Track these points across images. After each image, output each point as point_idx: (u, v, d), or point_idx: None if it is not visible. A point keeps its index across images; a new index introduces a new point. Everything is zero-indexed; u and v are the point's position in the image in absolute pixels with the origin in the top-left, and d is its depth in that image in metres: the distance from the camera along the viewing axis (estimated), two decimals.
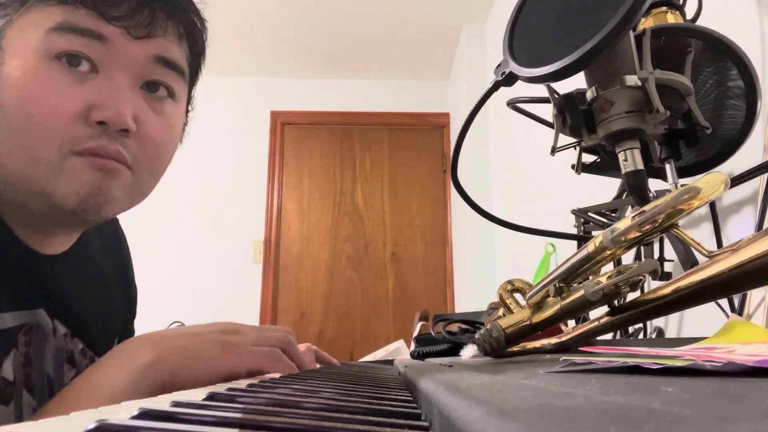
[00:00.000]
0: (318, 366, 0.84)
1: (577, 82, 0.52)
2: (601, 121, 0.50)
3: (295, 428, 0.19)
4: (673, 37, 0.58)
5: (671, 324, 0.88)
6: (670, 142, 0.59)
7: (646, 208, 0.35)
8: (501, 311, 0.49)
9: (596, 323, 0.40)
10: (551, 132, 0.56)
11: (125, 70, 0.48)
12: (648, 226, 0.34)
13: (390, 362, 1.02)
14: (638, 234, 0.35)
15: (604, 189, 0.92)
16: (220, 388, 0.29)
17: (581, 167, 0.60)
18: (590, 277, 0.38)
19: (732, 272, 0.29)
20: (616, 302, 0.38)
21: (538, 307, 0.43)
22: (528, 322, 0.42)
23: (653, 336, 0.86)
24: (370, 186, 2.98)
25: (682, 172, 0.63)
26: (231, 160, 2.95)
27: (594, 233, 0.78)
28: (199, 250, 2.81)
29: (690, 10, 0.69)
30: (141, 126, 0.50)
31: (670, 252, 0.73)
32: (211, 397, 0.26)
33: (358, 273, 2.86)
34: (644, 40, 0.51)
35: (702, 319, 0.79)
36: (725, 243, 0.70)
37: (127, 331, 0.71)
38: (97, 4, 0.46)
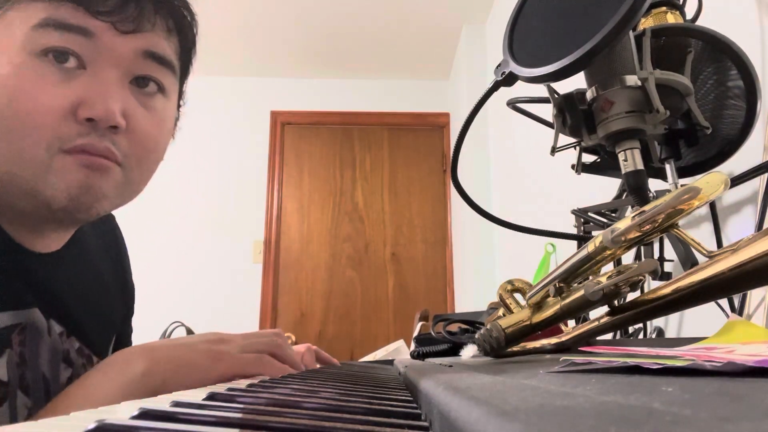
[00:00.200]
0: (318, 366, 0.84)
1: (577, 82, 0.52)
2: (601, 121, 0.50)
3: (295, 428, 0.19)
4: (673, 37, 0.58)
5: (671, 324, 0.88)
6: (670, 142, 0.59)
7: (646, 208, 0.35)
8: (501, 311, 0.49)
9: (596, 323, 0.40)
10: (551, 132, 0.56)
11: (113, 65, 0.48)
12: (648, 226, 0.34)
13: (390, 362, 1.02)
14: (638, 234, 0.35)
15: (604, 189, 0.92)
16: (220, 388, 0.29)
17: (581, 167, 0.60)
18: (590, 277, 0.38)
19: (732, 272, 0.29)
20: (616, 302, 0.38)
21: (538, 307, 0.43)
22: (528, 322, 0.42)
23: (653, 336, 0.86)
24: (370, 186, 2.98)
25: (682, 172, 0.63)
26: (231, 160, 2.95)
27: (594, 233, 0.78)
28: (199, 250, 2.81)
29: (690, 10, 0.69)
30: (131, 122, 0.49)
31: (670, 252, 0.73)
32: (211, 397, 0.26)
33: (358, 273, 2.86)
34: (644, 40, 0.51)
35: (702, 319, 0.79)
36: (725, 243, 0.70)
37: (126, 330, 0.71)
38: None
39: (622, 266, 0.36)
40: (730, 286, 0.30)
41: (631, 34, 0.51)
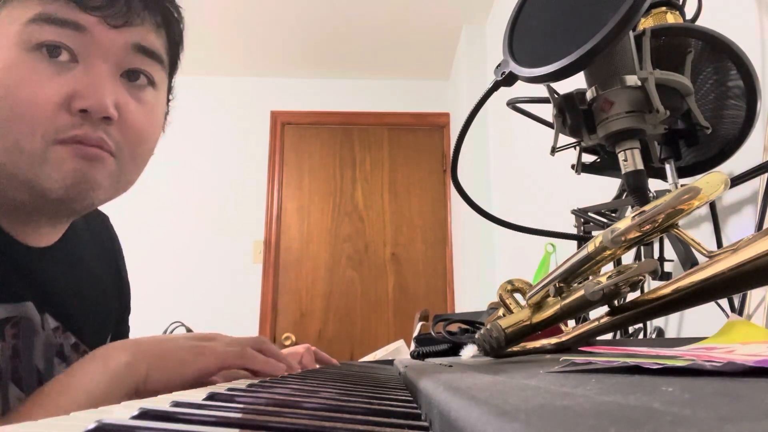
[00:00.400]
0: (317, 366, 0.84)
1: (577, 82, 0.52)
2: (601, 121, 0.50)
3: (295, 428, 0.19)
4: (672, 37, 0.58)
5: (671, 324, 0.88)
6: (670, 142, 0.59)
7: (646, 208, 0.35)
8: (501, 311, 0.49)
9: (596, 323, 0.40)
10: (551, 132, 0.56)
11: (104, 58, 0.49)
12: (648, 226, 0.34)
13: (390, 362, 1.02)
14: (638, 234, 0.35)
15: (604, 189, 0.92)
16: (220, 388, 0.29)
17: (581, 167, 0.60)
18: (590, 277, 0.38)
19: (732, 272, 0.29)
20: (616, 302, 0.38)
21: (538, 307, 0.43)
22: (528, 322, 0.42)
23: (653, 336, 0.86)
24: (370, 186, 2.98)
25: (682, 172, 0.63)
26: (231, 160, 2.95)
27: (594, 233, 0.78)
28: (199, 250, 2.81)
29: (690, 10, 0.69)
30: (122, 113, 0.50)
31: (670, 252, 0.73)
32: (211, 397, 0.26)
33: (358, 273, 2.86)
34: (644, 40, 0.51)
35: (702, 319, 0.79)
36: (725, 243, 0.70)
37: (121, 328, 0.72)
38: None
39: (622, 266, 0.36)
40: (730, 286, 0.30)
41: (631, 34, 0.51)
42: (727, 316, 0.64)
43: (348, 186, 2.97)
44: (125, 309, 0.72)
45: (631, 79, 0.49)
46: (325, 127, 3.05)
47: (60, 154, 0.47)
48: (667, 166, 0.60)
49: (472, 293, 2.32)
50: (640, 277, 0.35)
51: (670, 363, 0.20)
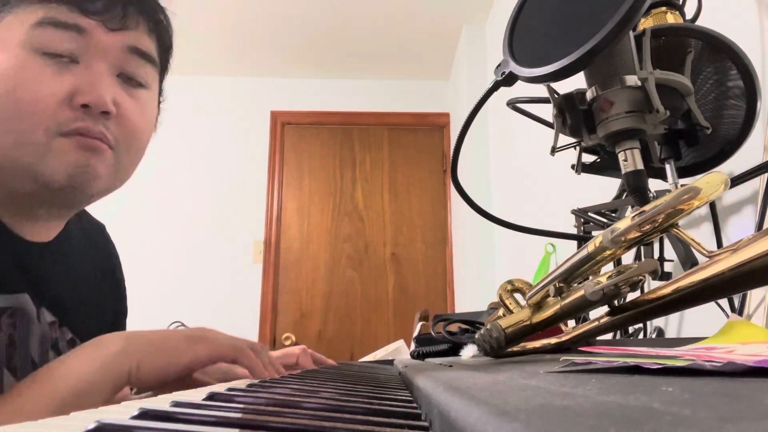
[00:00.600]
0: (315, 367, 0.85)
1: (577, 82, 0.52)
2: (601, 121, 0.50)
3: (295, 428, 0.19)
4: (672, 37, 0.58)
5: (671, 324, 0.88)
6: (670, 142, 0.59)
7: (646, 208, 0.35)
8: (501, 311, 0.49)
9: (596, 323, 0.40)
10: (551, 132, 0.56)
11: (103, 59, 0.53)
12: (648, 226, 0.34)
13: (390, 362, 1.02)
14: (638, 234, 0.35)
15: (604, 189, 0.92)
16: (220, 388, 0.29)
17: (581, 167, 0.60)
18: (590, 277, 0.38)
19: (732, 272, 0.29)
20: (616, 302, 0.38)
21: (538, 307, 0.43)
22: (528, 322, 0.42)
23: (653, 336, 0.86)
24: (370, 186, 2.98)
25: (682, 172, 0.63)
26: (231, 160, 2.95)
27: (594, 233, 0.78)
28: (199, 250, 2.81)
29: (690, 10, 0.69)
30: (119, 110, 0.54)
31: (670, 252, 0.73)
32: (211, 397, 0.26)
33: (358, 273, 2.86)
34: (644, 40, 0.51)
35: (702, 319, 0.79)
36: (725, 243, 0.70)
37: (118, 330, 0.72)
38: (76, 0, 0.51)
39: (622, 266, 0.36)
40: (730, 286, 0.30)
41: (631, 34, 0.51)
42: (727, 316, 0.64)
43: (348, 186, 2.97)
44: (121, 311, 0.74)
45: (631, 79, 0.49)
46: (325, 127, 3.05)
47: (63, 146, 0.50)
48: (667, 166, 0.60)
49: (472, 293, 2.32)
50: (640, 277, 0.35)
51: (670, 363, 0.20)
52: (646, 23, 0.65)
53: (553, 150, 0.56)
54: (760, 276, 0.28)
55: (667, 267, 0.74)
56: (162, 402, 0.23)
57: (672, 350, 0.24)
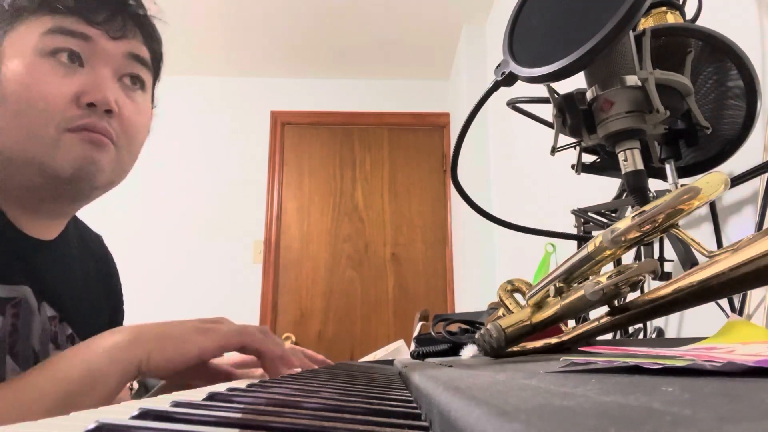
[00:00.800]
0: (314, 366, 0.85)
1: (577, 82, 0.52)
2: (601, 121, 0.50)
3: (295, 428, 0.19)
4: (673, 37, 0.58)
5: (671, 324, 0.88)
6: (670, 142, 0.59)
7: (646, 208, 0.35)
8: (501, 311, 0.49)
9: (596, 323, 0.40)
10: (551, 132, 0.56)
11: (106, 64, 0.59)
12: (648, 226, 0.34)
13: (390, 362, 1.02)
14: (638, 234, 0.35)
15: (604, 189, 0.92)
16: (220, 388, 0.29)
17: (581, 167, 0.60)
18: (590, 277, 0.38)
19: (732, 272, 0.29)
20: (616, 302, 0.38)
21: (538, 307, 0.43)
22: (528, 322, 0.42)
23: (653, 336, 0.86)
24: (370, 186, 2.98)
25: (682, 172, 0.63)
26: (231, 160, 2.95)
27: (594, 233, 0.78)
28: (199, 250, 2.81)
29: (690, 10, 0.69)
30: (120, 109, 0.60)
31: (670, 252, 0.73)
32: (211, 397, 0.26)
33: (358, 273, 2.86)
34: (644, 40, 0.51)
35: (702, 319, 0.79)
36: (725, 243, 0.70)
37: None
38: (82, 12, 0.58)
39: (622, 266, 0.36)
40: (730, 286, 0.30)
41: (631, 34, 0.51)
42: (727, 316, 0.64)
43: (348, 186, 2.97)
44: (118, 316, 0.77)
45: (631, 79, 0.49)
46: (325, 127, 3.05)
47: (71, 140, 0.56)
48: (667, 166, 0.60)
49: (472, 293, 2.32)
50: (640, 277, 0.35)
51: (670, 363, 0.20)
52: (646, 23, 0.65)
53: (553, 150, 0.56)
54: (760, 276, 0.28)
55: (667, 267, 0.74)
56: (162, 402, 0.23)
57: (672, 350, 0.24)
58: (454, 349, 0.69)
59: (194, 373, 0.54)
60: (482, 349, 0.44)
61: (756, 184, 0.67)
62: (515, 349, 0.46)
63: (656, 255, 0.73)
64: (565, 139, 0.56)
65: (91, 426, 0.17)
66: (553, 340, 0.45)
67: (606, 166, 0.66)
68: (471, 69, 2.51)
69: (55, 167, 0.55)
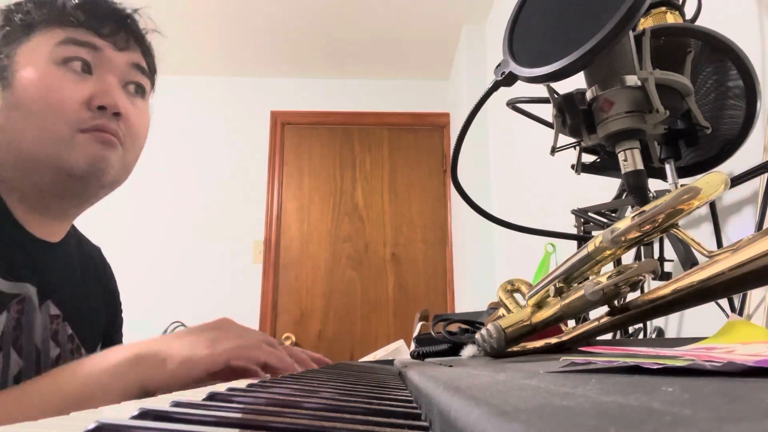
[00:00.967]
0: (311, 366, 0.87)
1: (577, 82, 0.52)
2: (601, 121, 0.50)
3: (295, 428, 0.19)
4: (672, 37, 0.58)
5: (671, 324, 0.88)
6: (670, 142, 0.59)
7: (646, 208, 0.35)
8: (501, 311, 0.49)
9: (596, 323, 0.40)
10: (551, 132, 0.56)
11: (112, 72, 0.65)
12: (648, 226, 0.34)
13: (390, 362, 1.02)
14: (638, 234, 0.35)
15: (604, 189, 0.92)
16: (220, 388, 0.29)
17: (581, 167, 0.60)
18: (590, 277, 0.38)
19: (732, 272, 0.29)
20: (616, 302, 0.38)
21: (538, 307, 0.43)
22: (528, 322, 0.43)
23: (653, 336, 0.86)
24: (370, 186, 2.98)
25: (682, 172, 0.63)
26: (231, 160, 2.95)
27: (594, 233, 0.78)
28: (199, 250, 2.81)
29: (690, 10, 0.69)
30: (126, 114, 0.65)
31: (670, 252, 0.73)
32: (211, 397, 0.26)
33: (358, 273, 2.86)
34: (644, 40, 0.51)
35: (702, 319, 0.79)
36: (725, 243, 0.70)
37: (114, 338, 0.79)
38: (91, 25, 0.64)
39: (622, 266, 0.36)
40: (730, 286, 0.30)
41: (631, 34, 0.51)
42: (727, 316, 0.64)
43: (348, 186, 2.97)
44: (116, 321, 0.81)
45: (631, 79, 0.49)
46: (325, 127, 3.05)
47: (84, 140, 0.61)
48: (667, 166, 0.60)
49: (472, 293, 2.32)
50: (640, 277, 0.35)
51: (670, 363, 0.20)
52: (646, 23, 0.65)
53: (553, 150, 0.56)
54: (760, 276, 0.28)
55: (667, 267, 0.74)
56: (162, 402, 0.23)
57: (672, 350, 0.24)
58: (454, 349, 0.69)
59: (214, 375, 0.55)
60: (482, 349, 0.44)
61: (756, 184, 0.67)
62: (515, 349, 0.46)
63: (656, 255, 0.73)
64: (565, 139, 0.56)
65: (91, 426, 0.17)
66: (553, 340, 0.45)
67: (606, 166, 0.66)
68: (471, 69, 2.51)
69: (69, 164, 0.60)
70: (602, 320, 0.39)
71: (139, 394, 0.47)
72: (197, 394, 0.27)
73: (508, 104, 0.74)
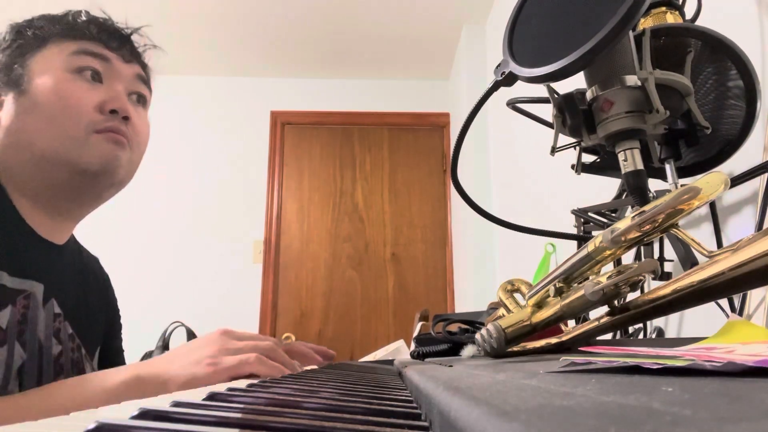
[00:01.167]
0: (317, 360, 0.89)
1: (577, 82, 0.52)
2: (601, 121, 0.50)
3: (295, 428, 0.19)
4: (672, 37, 0.58)
5: (671, 324, 0.88)
6: (670, 142, 0.59)
7: (646, 208, 0.35)
8: (501, 311, 0.49)
9: (596, 323, 0.40)
10: (551, 132, 0.56)
11: (120, 82, 0.71)
12: (648, 226, 0.34)
13: (390, 362, 1.02)
14: (638, 234, 0.35)
15: (604, 189, 0.92)
16: (220, 388, 0.29)
17: (581, 167, 0.60)
18: (590, 277, 0.38)
19: (732, 272, 0.29)
20: (616, 302, 0.38)
21: (538, 307, 0.43)
22: (528, 322, 0.43)
23: (653, 336, 0.86)
24: (370, 186, 2.98)
25: (682, 172, 0.63)
26: (231, 160, 2.95)
27: (594, 233, 0.78)
28: (199, 250, 2.81)
29: (690, 10, 0.69)
30: (132, 119, 0.70)
31: (670, 252, 0.73)
32: (211, 397, 0.26)
33: (358, 273, 2.86)
34: (644, 40, 0.51)
35: (702, 319, 0.79)
36: (725, 243, 0.70)
37: (113, 343, 0.82)
38: (102, 38, 0.70)
39: (622, 266, 0.36)
40: (730, 286, 0.30)
41: (631, 34, 0.51)
42: (727, 316, 0.64)
43: (348, 186, 2.97)
44: (114, 325, 0.84)
45: (631, 79, 0.49)
46: (325, 127, 3.05)
47: (97, 140, 0.66)
48: (667, 166, 0.59)
49: (472, 293, 2.32)
50: (640, 277, 0.35)
51: (670, 363, 0.20)
52: (646, 23, 0.65)
53: (553, 150, 0.56)
54: (760, 276, 0.28)
55: (667, 267, 0.74)
56: (162, 402, 0.23)
57: (672, 350, 0.24)
58: (454, 349, 0.69)
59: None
60: (482, 349, 0.44)
61: (756, 184, 0.67)
62: (515, 349, 0.46)
63: (656, 255, 0.73)
64: (565, 139, 0.56)
65: (91, 426, 0.17)
66: (553, 340, 0.45)
67: (606, 166, 0.66)
68: (471, 69, 2.51)
69: (84, 162, 0.65)
70: (602, 320, 0.39)
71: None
72: (197, 394, 0.27)
73: (508, 104, 0.74)
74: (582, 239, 0.77)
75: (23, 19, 0.71)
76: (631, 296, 0.39)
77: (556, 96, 0.54)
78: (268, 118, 3.02)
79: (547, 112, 0.60)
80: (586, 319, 0.63)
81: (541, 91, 0.57)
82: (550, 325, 0.42)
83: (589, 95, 0.51)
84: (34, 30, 0.69)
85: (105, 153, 0.66)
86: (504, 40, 0.52)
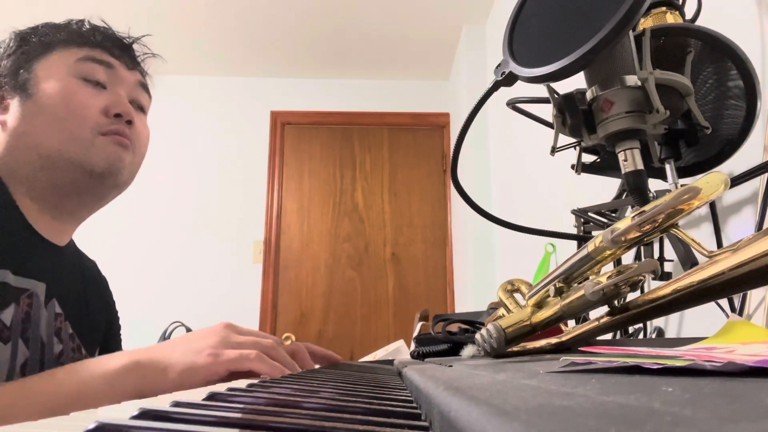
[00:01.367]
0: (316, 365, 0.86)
1: (577, 82, 0.52)
2: (601, 121, 0.50)
3: (295, 428, 0.19)
4: (672, 37, 0.58)
5: (671, 324, 0.88)
6: (670, 142, 0.59)
7: (646, 208, 0.35)
8: (501, 311, 0.49)
9: (596, 323, 0.40)
10: (551, 132, 0.56)
11: (123, 88, 0.74)
12: (648, 226, 0.34)
13: (390, 362, 1.02)
14: (638, 234, 0.35)
15: (604, 189, 0.92)
16: (220, 388, 0.29)
17: (581, 167, 0.60)
18: (590, 277, 0.38)
19: (732, 272, 0.29)
20: (616, 302, 0.38)
21: (538, 307, 0.43)
22: (528, 322, 0.43)
23: (653, 336, 0.86)
24: (370, 186, 2.98)
25: (682, 172, 0.63)
26: (231, 160, 2.95)
27: (594, 233, 0.78)
28: (199, 250, 2.81)
29: (690, 10, 0.69)
30: (134, 123, 0.73)
31: (670, 252, 0.73)
32: (211, 397, 0.26)
33: (358, 273, 2.86)
34: (644, 40, 0.51)
35: (702, 319, 0.79)
36: (725, 243, 0.70)
37: (112, 345, 0.83)
38: (106, 46, 0.73)
39: (622, 266, 0.36)
40: (730, 286, 0.30)
41: (631, 34, 0.51)
42: (727, 316, 0.64)
43: (348, 186, 2.97)
44: (113, 328, 0.85)
45: (631, 79, 0.49)
46: (325, 127, 3.05)
47: (103, 142, 0.69)
48: (667, 166, 0.60)
49: (472, 293, 2.32)
50: (640, 277, 0.35)
51: (670, 363, 0.20)
52: (646, 23, 0.65)
53: (553, 150, 0.56)
54: (760, 276, 0.28)
55: (667, 267, 0.74)
56: (162, 402, 0.23)
57: (672, 350, 0.24)
58: (454, 349, 0.69)
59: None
60: (482, 349, 0.44)
61: (756, 184, 0.67)
62: (515, 349, 0.46)
63: (656, 255, 0.73)
64: (565, 139, 0.56)
65: (91, 426, 0.17)
66: (553, 340, 0.45)
67: (606, 166, 0.66)
68: (471, 69, 2.51)
69: (91, 163, 0.67)
70: (602, 320, 0.39)
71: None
72: (197, 394, 0.27)
73: (508, 104, 0.74)
74: (582, 239, 0.77)
75: (27, 27, 0.73)
76: (631, 296, 0.39)
77: (556, 96, 0.54)
78: (268, 118, 3.02)
79: (547, 112, 0.60)
80: (586, 319, 0.63)
81: (541, 91, 0.57)
82: (550, 325, 0.42)
83: (589, 95, 0.51)
84: (39, 37, 0.71)
85: (110, 154, 0.69)
86: (504, 40, 0.52)
